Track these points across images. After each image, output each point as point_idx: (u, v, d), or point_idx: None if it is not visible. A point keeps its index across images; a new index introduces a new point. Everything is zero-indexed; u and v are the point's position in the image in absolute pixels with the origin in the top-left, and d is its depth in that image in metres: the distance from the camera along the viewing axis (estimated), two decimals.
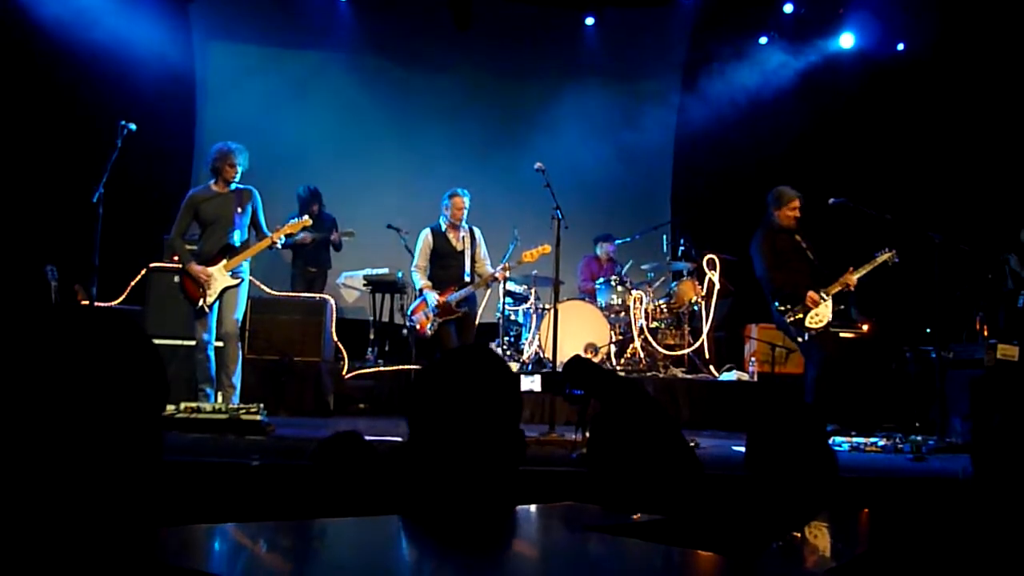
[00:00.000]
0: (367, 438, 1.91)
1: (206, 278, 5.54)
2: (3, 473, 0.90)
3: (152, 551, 1.00)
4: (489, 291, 7.52)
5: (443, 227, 6.71)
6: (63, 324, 0.97)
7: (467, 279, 6.66)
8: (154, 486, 0.97)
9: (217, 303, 5.60)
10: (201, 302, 5.55)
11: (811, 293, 5.80)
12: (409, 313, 6.77)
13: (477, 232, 6.83)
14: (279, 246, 5.89)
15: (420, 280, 6.67)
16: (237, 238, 5.67)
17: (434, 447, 1.52)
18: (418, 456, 1.53)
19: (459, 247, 6.71)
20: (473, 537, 1.33)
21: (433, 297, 6.54)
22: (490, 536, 1.36)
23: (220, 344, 5.65)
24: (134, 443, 0.96)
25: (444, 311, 6.54)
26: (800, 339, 5.86)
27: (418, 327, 6.57)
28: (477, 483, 1.51)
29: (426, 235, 6.72)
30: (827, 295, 5.85)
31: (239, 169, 5.67)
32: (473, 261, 6.75)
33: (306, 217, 5.99)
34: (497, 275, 6.71)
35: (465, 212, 6.66)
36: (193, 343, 5.68)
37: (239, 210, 5.68)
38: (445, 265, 6.69)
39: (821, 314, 5.81)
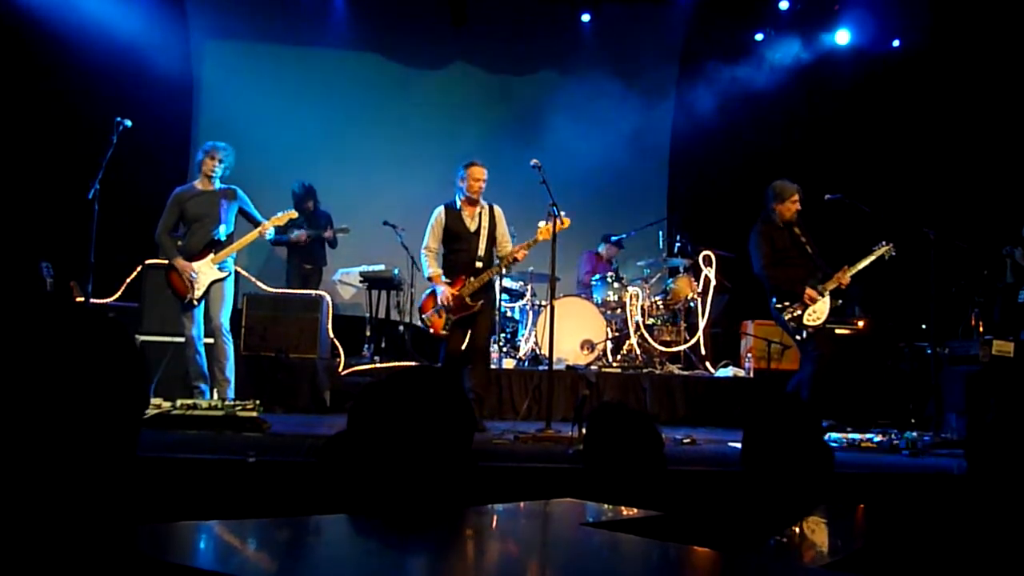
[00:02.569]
0: None
1: (192, 272, 5.56)
2: None
3: (132, 546, 1.00)
4: None
5: (458, 204, 5.87)
6: (42, 319, 0.96)
7: (479, 264, 5.79)
8: (129, 482, 0.97)
9: (205, 298, 5.63)
10: (189, 296, 5.58)
11: (809, 290, 5.80)
12: (419, 308, 5.96)
13: (497, 210, 5.97)
14: (267, 238, 5.89)
15: (430, 267, 5.85)
16: (223, 232, 5.70)
17: (374, 458, 1.53)
18: (358, 460, 1.55)
19: (472, 227, 5.83)
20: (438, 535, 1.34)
21: (443, 292, 5.73)
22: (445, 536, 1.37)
23: (210, 340, 5.67)
24: (108, 439, 0.95)
25: (458, 307, 5.72)
26: (798, 336, 5.86)
27: (431, 329, 5.77)
28: (414, 492, 1.51)
29: (439, 213, 5.87)
30: (824, 291, 5.85)
31: (218, 163, 5.68)
32: (491, 243, 5.88)
33: (291, 210, 6.02)
34: (518, 255, 5.86)
35: (483, 185, 5.83)
36: None
37: (224, 206, 5.71)
38: (455, 249, 5.86)
39: (819, 310, 5.81)
